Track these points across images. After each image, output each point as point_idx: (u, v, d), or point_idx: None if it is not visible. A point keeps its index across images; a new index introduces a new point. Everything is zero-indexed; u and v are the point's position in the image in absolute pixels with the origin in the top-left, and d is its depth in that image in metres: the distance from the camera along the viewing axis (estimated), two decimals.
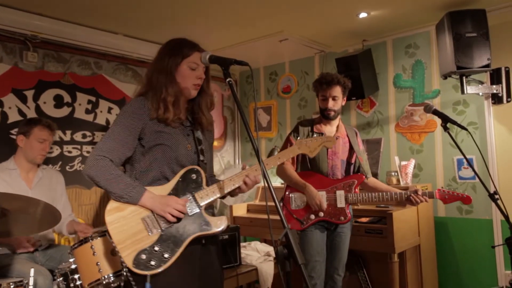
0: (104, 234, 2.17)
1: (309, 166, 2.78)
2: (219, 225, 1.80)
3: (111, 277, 2.09)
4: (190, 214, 1.77)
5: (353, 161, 2.87)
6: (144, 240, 1.70)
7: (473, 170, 2.47)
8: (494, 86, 3.36)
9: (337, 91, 2.76)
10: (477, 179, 3.39)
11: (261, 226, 3.89)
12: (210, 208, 1.91)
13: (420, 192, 2.58)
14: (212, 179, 2.02)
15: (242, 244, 3.62)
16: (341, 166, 2.81)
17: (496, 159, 3.37)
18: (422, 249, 3.38)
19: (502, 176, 3.34)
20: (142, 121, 1.79)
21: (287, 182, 2.80)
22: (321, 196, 2.66)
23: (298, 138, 2.15)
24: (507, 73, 3.35)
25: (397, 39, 3.90)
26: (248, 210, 4.25)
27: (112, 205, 1.73)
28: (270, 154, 4.18)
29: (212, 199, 1.83)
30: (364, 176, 2.78)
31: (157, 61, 1.89)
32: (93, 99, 3.74)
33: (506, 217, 2.31)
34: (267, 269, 3.49)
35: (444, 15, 3.21)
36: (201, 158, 1.91)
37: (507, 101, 3.35)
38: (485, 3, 3.21)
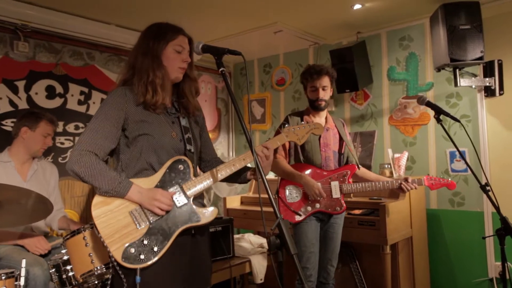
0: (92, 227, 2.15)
1: (302, 159, 2.78)
2: (208, 216, 1.80)
3: (104, 268, 2.09)
4: (178, 206, 1.75)
5: (342, 151, 2.89)
6: (133, 233, 1.68)
7: (466, 162, 2.48)
8: (487, 79, 3.37)
9: (326, 81, 2.79)
10: (469, 172, 3.42)
11: (255, 218, 3.89)
12: (199, 199, 1.89)
13: (410, 180, 2.67)
14: (215, 164, 1.94)
15: (235, 236, 3.63)
16: (334, 157, 2.83)
17: (488, 151, 3.39)
18: (414, 240, 3.40)
19: (494, 168, 3.36)
20: (124, 111, 1.75)
21: (281, 175, 2.80)
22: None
23: (286, 126, 2.13)
24: (500, 66, 3.35)
25: (391, 32, 3.90)
26: (242, 202, 4.26)
27: (98, 199, 1.70)
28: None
29: (200, 189, 1.81)
30: (356, 166, 2.81)
31: (140, 45, 1.84)
32: (86, 90, 3.71)
33: (497, 208, 2.34)
34: (260, 261, 3.51)
35: (438, 7, 3.21)
36: (188, 147, 1.88)
37: (500, 94, 3.36)
38: None
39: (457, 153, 3.50)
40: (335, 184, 2.71)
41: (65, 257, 2.28)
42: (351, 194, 3.54)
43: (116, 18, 3.61)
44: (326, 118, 2.88)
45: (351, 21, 3.77)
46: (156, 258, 1.67)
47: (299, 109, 4.47)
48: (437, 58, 3.29)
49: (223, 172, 1.85)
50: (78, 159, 1.68)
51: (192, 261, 1.83)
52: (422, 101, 2.64)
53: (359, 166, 2.86)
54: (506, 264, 2.37)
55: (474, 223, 3.42)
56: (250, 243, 3.61)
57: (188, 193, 1.78)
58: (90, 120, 1.76)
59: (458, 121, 2.52)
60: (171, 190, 1.76)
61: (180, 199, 1.76)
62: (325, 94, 2.79)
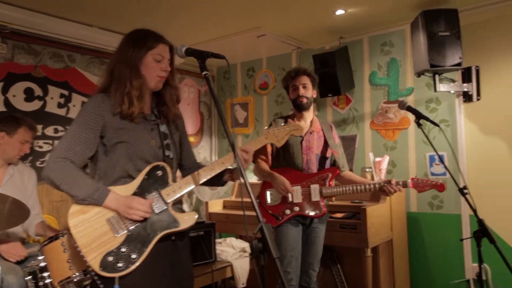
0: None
1: (284, 162, 2.79)
2: (187, 221, 1.78)
3: (82, 275, 2.05)
4: (156, 212, 1.74)
5: (328, 155, 2.89)
6: (110, 241, 1.66)
7: (444, 165, 2.53)
8: (465, 84, 3.45)
9: (306, 79, 2.82)
10: (448, 175, 3.51)
11: (237, 222, 3.88)
12: (178, 204, 1.87)
13: (394, 182, 2.58)
14: (195, 169, 1.93)
15: (217, 240, 3.62)
16: (316, 160, 2.83)
17: (466, 156, 3.46)
18: (394, 243, 3.44)
19: (471, 172, 3.43)
20: (102, 119, 1.73)
21: (259, 177, 2.83)
22: (294, 188, 2.66)
23: (266, 128, 2.14)
24: (477, 72, 3.43)
25: (373, 37, 3.95)
26: (224, 206, 4.24)
27: (75, 207, 1.68)
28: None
29: (179, 195, 1.79)
30: (338, 169, 2.80)
31: (120, 52, 1.81)
32: (66, 92, 3.65)
33: (474, 211, 2.38)
34: (243, 265, 3.51)
35: (419, 14, 3.27)
36: (167, 153, 1.86)
37: (477, 99, 3.43)
38: (457, 3, 3.29)
39: (436, 157, 3.56)
40: (314, 187, 2.71)
41: (42, 264, 2.22)
42: (333, 198, 3.56)
43: (98, 20, 3.57)
44: (312, 121, 2.89)
45: (334, 26, 3.81)
46: (134, 266, 1.65)
47: (282, 113, 4.50)
48: (417, 64, 3.35)
49: (203, 176, 1.85)
50: (54, 166, 1.65)
51: (173, 268, 1.81)
52: (403, 105, 2.68)
53: (342, 169, 2.86)
54: (482, 266, 2.41)
55: (452, 225, 3.48)
56: (232, 247, 3.60)
57: (167, 199, 1.77)
58: (69, 127, 1.74)
59: (438, 125, 2.57)
60: (149, 196, 1.75)
61: (158, 205, 1.75)
62: (306, 91, 2.80)
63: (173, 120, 1.94)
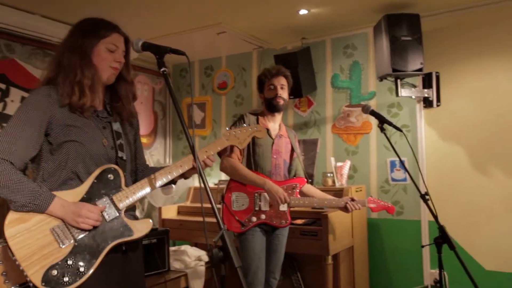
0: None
1: (252, 163, 2.65)
2: (141, 229, 1.63)
3: None
4: (108, 220, 1.57)
5: (292, 162, 2.81)
6: (54, 254, 1.47)
7: (407, 171, 2.49)
8: (425, 90, 3.45)
9: (284, 81, 2.75)
10: (408, 181, 3.49)
11: (192, 229, 3.68)
12: (131, 211, 1.72)
13: (356, 200, 2.67)
14: (145, 172, 1.83)
15: (171, 248, 3.40)
16: (284, 166, 2.74)
17: (425, 161, 3.46)
18: (355, 250, 3.37)
19: (431, 177, 3.43)
20: (48, 114, 1.55)
21: (239, 179, 2.63)
22: (281, 192, 2.54)
23: (227, 129, 2.02)
24: (437, 78, 3.44)
25: (335, 39, 3.88)
26: (178, 212, 4.01)
27: (12, 216, 1.47)
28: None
29: (132, 200, 1.64)
30: (305, 180, 2.73)
31: (68, 41, 1.65)
32: (3, 86, 3.29)
33: (435, 217, 2.35)
34: (198, 275, 3.31)
35: (382, 17, 3.22)
36: (120, 154, 1.71)
37: (437, 105, 3.44)
38: (420, 8, 3.27)
39: (397, 162, 3.54)
40: None
41: None
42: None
43: (42, 7, 3.24)
44: (280, 125, 2.78)
45: (297, 26, 3.70)
46: (83, 279, 1.48)
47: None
48: (380, 68, 3.30)
49: (159, 180, 1.70)
50: None
51: (123, 280, 1.66)
52: (366, 109, 2.62)
53: (308, 179, 2.79)
54: (442, 272, 2.38)
55: (412, 231, 3.47)
56: (187, 256, 3.39)
57: (119, 205, 1.60)
58: (7, 122, 1.52)
59: (401, 130, 2.52)
60: (99, 202, 1.57)
61: (110, 212, 1.58)
62: (283, 92, 2.73)
63: (127, 118, 1.78)
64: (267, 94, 2.74)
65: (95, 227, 1.54)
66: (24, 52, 3.42)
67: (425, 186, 2.59)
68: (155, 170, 1.75)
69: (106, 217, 1.57)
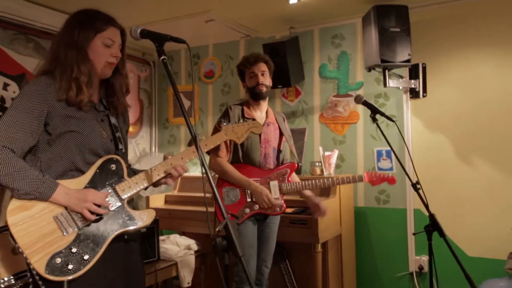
0: (2, 230, 1.93)
1: (241, 155, 2.64)
2: (144, 219, 1.65)
3: (12, 280, 1.86)
4: (111, 209, 1.58)
5: (281, 148, 2.81)
6: (58, 241, 1.48)
7: (399, 161, 2.53)
8: (412, 81, 3.51)
9: (264, 67, 2.73)
10: (394, 170, 3.56)
11: (180, 218, 3.66)
12: (131, 202, 1.73)
13: (321, 205, 2.69)
14: (129, 169, 1.82)
15: (160, 237, 3.38)
16: (273, 154, 2.73)
17: (412, 151, 3.52)
18: (343, 238, 3.43)
19: (417, 167, 3.48)
20: (48, 104, 1.54)
21: (226, 178, 2.64)
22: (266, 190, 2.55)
23: (225, 124, 2.07)
24: (424, 69, 3.50)
25: (323, 29, 3.89)
26: (166, 201, 3.99)
27: (15, 203, 1.46)
28: (190, 143, 3.95)
29: (135, 191, 1.65)
30: (296, 164, 2.74)
31: (65, 33, 1.63)
32: None
33: (426, 206, 2.40)
34: (188, 264, 3.31)
35: (371, 8, 3.25)
36: (120, 146, 1.72)
37: (423, 96, 3.51)
38: (407, 0, 3.31)
39: (384, 152, 3.60)
40: (274, 184, 2.61)
41: None
42: None
43: None
44: (267, 112, 2.77)
45: (285, 15, 3.69)
46: (86, 268, 1.49)
47: (228, 103, 4.31)
48: (368, 58, 3.34)
49: (160, 172, 1.71)
50: None
51: (125, 269, 1.68)
52: (359, 100, 2.64)
53: (299, 164, 2.81)
54: (428, 259, 2.43)
55: (398, 220, 3.55)
56: (177, 245, 3.38)
57: (122, 195, 1.61)
58: (6, 111, 1.50)
59: (393, 121, 2.56)
60: (103, 191, 1.58)
61: (113, 202, 1.59)
62: (265, 79, 2.71)
63: (122, 113, 1.79)
64: (249, 82, 2.72)
65: (99, 217, 1.54)
66: (6, 37, 3.29)
67: (416, 175, 2.64)
68: (136, 171, 1.77)
69: (110, 206, 1.58)
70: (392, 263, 3.57)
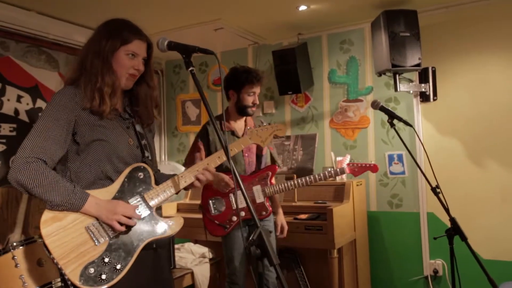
0: (27, 243, 1.94)
1: (224, 166, 2.58)
2: (173, 227, 1.65)
3: None
4: (141, 218, 1.59)
5: (264, 152, 2.81)
6: (91, 251, 1.49)
7: (417, 164, 2.57)
8: (422, 84, 3.52)
9: (260, 88, 2.76)
10: (407, 174, 3.57)
11: (193, 226, 3.64)
12: (159, 209, 1.72)
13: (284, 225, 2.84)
14: (158, 175, 1.83)
15: (175, 246, 3.38)
16: (256, 161, 2.77)
17: (423, 155, 3.53)
18: (357, 243, 3.44)
19: (428, 171, 3.50)
20: (74, 113, 1.56)
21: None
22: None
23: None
24: (434, 72, 3.52)
25: (332, 35, 3.92)
26: (178, 210, 4.00)
27: (47, 214, 1.47)
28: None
29: (163, 198, 1.66)
30: (276, 166, 2.77)
31: (93, 42, 1.65)
32: None
33: (447, 209, 2.41)
34: (203, 272, 3.31)
35: (380, 13, 3.27)
36: (146, 154, 1.72)
37: (434, 100, 3.52)
38: (417, 4, 3.34)
39: (395, 156, 3.61)
40: (257, 188, 2.64)
41: None
42: (295, 198, 3.48)
43: (38, 3, 3.14)
44: (245, 120, 2.80)
45: (294, 22, 3.72)
46: (119, 277, 1.50)
47: None
48: (378, 63, 3.36)
49: (187, 178, 1.72)
50: (24, 167, 1.44)
51: (155, 277, 1.69)
52: (376, 105, 2.66)
53: (280, 165, 2.84)
54: (455, 262, 2.41)
55: (411, 223, 3.55)
56: (192, 253, 3.38)
57: (151, 203, 1.62)
58: (35, 123, 1.52)
59: (411, 125, 2.59)
60: (131, 201, 1.59)
61: (142, 210, 1.60)
62: (257, 99, 2.74)
63: (146, 122, 1.79)
64: (244, 99, 2.67)
65: (128, 228, 1.55)
66: (19, 49, 3.31)
67: (436, 179, 2.63)
68: (165, 176, 1.78)
69: (139, 215, 1.59)
70: (407, 267, 3.56)
